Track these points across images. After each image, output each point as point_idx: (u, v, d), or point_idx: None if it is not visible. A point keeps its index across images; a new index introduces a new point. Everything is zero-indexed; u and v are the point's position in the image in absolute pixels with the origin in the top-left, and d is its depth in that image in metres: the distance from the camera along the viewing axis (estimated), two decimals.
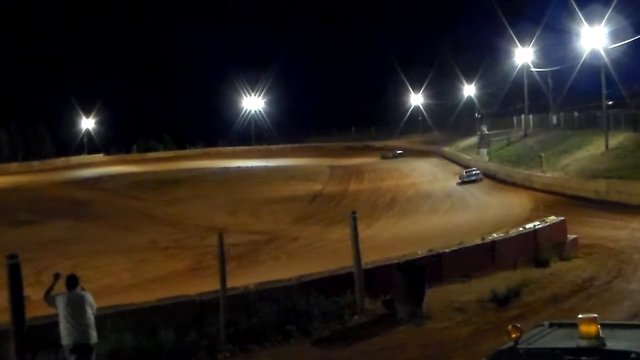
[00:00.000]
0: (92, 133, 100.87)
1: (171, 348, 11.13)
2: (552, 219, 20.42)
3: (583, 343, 4.51)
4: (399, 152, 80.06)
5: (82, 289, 9.93)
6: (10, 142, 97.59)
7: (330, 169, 68.02)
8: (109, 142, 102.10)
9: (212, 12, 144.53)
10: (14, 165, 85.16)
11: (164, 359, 10.94)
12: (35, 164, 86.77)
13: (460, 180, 50.85)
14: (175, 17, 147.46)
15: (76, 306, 9.46)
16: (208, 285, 14.76)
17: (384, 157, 77.58)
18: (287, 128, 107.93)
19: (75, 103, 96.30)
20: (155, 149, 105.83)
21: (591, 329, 4.54)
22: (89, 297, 9.69)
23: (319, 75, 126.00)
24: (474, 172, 51.35)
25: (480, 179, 49.92)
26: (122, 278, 25.77)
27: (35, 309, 11.55)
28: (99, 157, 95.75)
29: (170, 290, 16.09)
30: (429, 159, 70.98)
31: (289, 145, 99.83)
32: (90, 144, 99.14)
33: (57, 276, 9.84)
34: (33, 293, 11.56)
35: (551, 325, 5.25)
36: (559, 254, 18.17)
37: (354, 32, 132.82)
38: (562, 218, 20.37)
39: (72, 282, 9.71)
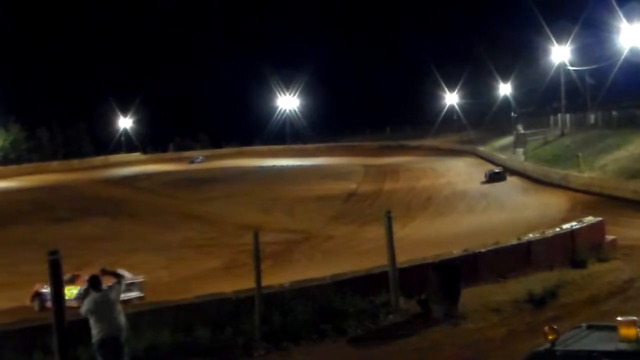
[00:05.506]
0: (130, 132, 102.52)
1: (207, 345, 11.27)
2: (589, 219, 20.09)
3: (622, 346, 4.47)
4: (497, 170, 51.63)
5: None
6: (51, 141, 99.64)
7: (364, 168, 67.75)
8: (146, 141, 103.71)
9: (247, 11, 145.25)
10: (54, 164, 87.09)
11: (200, 356, 11.07)
12: (75, 162, 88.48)
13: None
14: (211, 17, 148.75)
15: (103, 306, 9.45)
16: (243, 283, 14.82)
17: None
18: (322, 127, 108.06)
19: (113, 103, 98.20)
20: (191, 148, 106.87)
21: (631, 332, 4.49)
22: (114, 293, 9.62)
23: (354, 75, 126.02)
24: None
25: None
26: (159, 275, 26.05)
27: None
28: (137, 155, 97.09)
29: (206, 288, 16.26)
30: (464, 159, 70.22)
31: (324, 145, 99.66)
32: (128, 143, 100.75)
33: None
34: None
35: (589, 327, 5.19)
36: (597, 255, 17.82)
37: (389, 32, 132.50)
38: (600, 218, 20.02)
39: (95, 283, 9.70)
